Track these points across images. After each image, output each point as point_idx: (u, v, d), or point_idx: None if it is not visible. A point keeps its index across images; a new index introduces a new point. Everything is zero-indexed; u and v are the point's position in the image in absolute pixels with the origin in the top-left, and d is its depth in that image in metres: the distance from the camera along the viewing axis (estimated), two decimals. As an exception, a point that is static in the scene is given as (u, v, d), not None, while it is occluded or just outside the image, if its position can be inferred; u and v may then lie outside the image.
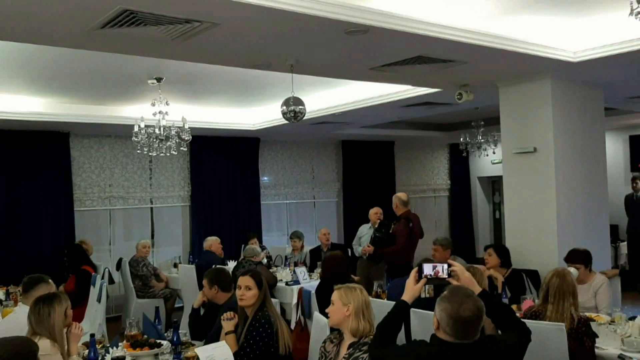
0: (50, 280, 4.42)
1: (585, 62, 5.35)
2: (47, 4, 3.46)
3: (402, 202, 7.32)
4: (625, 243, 9.91)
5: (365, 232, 7.78)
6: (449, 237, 6.44)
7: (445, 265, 3.00)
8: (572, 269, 4.79)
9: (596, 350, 3.69)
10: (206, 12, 3.68)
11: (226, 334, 3.85)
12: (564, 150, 6.04)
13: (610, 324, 4.02)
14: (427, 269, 3.01)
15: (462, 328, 2.51)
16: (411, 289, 3.01)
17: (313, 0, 3.75)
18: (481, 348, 2.57)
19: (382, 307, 4.37)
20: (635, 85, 6.87)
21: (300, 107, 5.38)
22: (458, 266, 3.04)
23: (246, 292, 3.87)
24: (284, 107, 5.41)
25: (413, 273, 3.03)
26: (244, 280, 3.90)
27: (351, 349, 3.18)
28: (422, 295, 3.04)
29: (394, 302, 3.14)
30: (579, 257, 4.96)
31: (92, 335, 3.84)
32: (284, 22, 3.93)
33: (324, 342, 3.45)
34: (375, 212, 7.72)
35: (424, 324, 3.74)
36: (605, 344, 3.76)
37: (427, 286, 3.00)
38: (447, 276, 2.96)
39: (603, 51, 5.16)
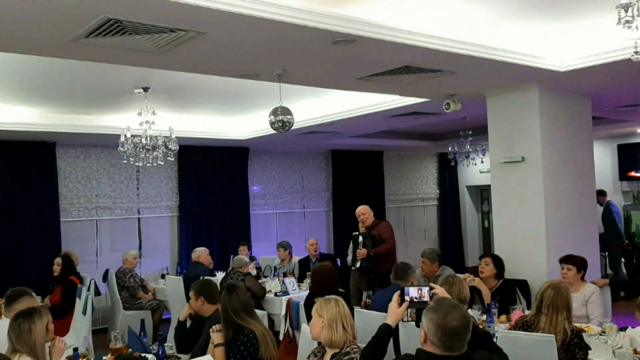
0: (33, 294, 4.35)
1: (573, 71, 5.36)
2: (31, 13, 3.41)
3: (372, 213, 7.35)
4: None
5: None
6: (437, 249, 6.36)
7: (428, 289, 3.01)
8: None
9: (588, 362, 3.67)
10: (191, 21, 3.64)
11: (215, 346, 3.80)
12: (552, 159, 6.04)
13: (601, 334, 4.00)
14: (410, 292, 3.02)
15: (450, 338, 2.47)
16: (394, 313, 3.02)
17: (300, 10, 3.73)
18: None
19: (369, 317, 4.35)
20: (622, 94, 6.90)
21: (288, 116, 5.36)
22: (440, 289, 3.06)
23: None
24: (272, 117, 5.38)
25: (396, 296, 3.04)
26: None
27: None
28: (405, 320, 3.03)
29: (378, 313, 3.13)
30: (574, 260, 5.01)
31: (76, 350, 3.79)
32: (270, 31, 3.90)
33: (308, 356, 3.44)
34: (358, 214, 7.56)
35: (413, 337, 3.71)
36: (597, 355, 3.73)
37: (409, 310, 3.00)
38: (429, 299, 2.95)
39: (590, 60, 5.18)
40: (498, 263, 5.49)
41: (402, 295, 3.01)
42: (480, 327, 4.06)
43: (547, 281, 4.01)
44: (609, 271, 9.92)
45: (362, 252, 6.90)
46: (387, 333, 2.98)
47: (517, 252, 6.05)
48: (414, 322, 3.03)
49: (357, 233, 7.12)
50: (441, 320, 2.48)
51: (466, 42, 4.67)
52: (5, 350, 3.45)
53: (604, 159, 11.09)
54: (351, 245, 7.35)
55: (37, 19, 3.52)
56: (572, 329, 3.69)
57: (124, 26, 3.68)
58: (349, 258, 7.51)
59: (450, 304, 2.58)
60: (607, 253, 9.89)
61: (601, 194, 10.02)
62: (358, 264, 6.99)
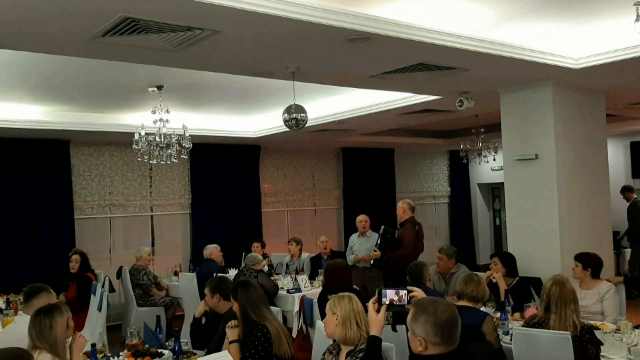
0: (51, 290, 4.39)
1: (587, 68, 5.35)
2: (48, 12, 3.45)
3: (410, 207, 7.30)
4: (629, 250, 9.97)
5: (355, 240, 7.74)
6: (454, 247, 6.37)
7: (406, 292, 2.93)
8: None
9: (602, 360, 3.67)
10: (208, 19, 3.67)
11: (230, 342, 3.83)
12: (565, 157, 6.02)
13: (616, 332, 3.99)
14: (387, 295, 2.93)
15: (450, 330, 2.48)
16: (375, 321, 2.91)
17: (315, 8, 3.75)
18: (464, 355, 2.54)
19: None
20: (636, 92, 6.86)
21: (301, 114, 5.37)
22: (419, 292, 2.99)
23: (233, 305, 4.02)
24: (286, 115, 5.38)
25: (372, 305, 2.93)
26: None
27: (348, 358, 3.18)
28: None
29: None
30: (581, 257, 5.05)
31: (93, 345, 3.83)
32: (285, 29, 3.92)
33: (324, 353, 3.45)
34: (360, 220, 7.72)
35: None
36: (612, 353, 3.73)
37: (386, 313, 2.90)
38: (407, 302, 2.87)
39: (605, 58, 5.16)
40: (506, 261, 5.50)
41: (379, 299, 2.92)
42: (495, 324, 4.08)
43: (549, 278, 4.01)
44: (626, 268, 9.87)
45: (375, 254, 6.92)
46: (377, 345, 2.92)
47: (530, 249, 6.04)
48: (390, 326, 2.94)
49: (383, 229, 7.11)
50: (435, 317, 2.46)
51: (480, 40, 4.67)
52: (24, 347, 3.48)
53: (616, 157, 11.02)
54: (360, 239, 7.44)
55: (54, 19, 3.56)
56: (583, 325, 3.69)
57: (140, 25, 3.71)
58: (350, 257, 7.52)
59: (431, 301, 2.58)
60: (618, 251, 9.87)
61: (629, 190, 10.00)
62: (371, 262, 7.02)
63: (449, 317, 2.48)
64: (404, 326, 2.84)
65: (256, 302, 3.96)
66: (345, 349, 3.27)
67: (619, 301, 4.88)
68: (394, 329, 2.93)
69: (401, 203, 7.37)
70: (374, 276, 7.25)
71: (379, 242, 7.04)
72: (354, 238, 7.82)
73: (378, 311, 2.90)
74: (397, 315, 2.84)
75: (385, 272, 7.08)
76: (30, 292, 4.31)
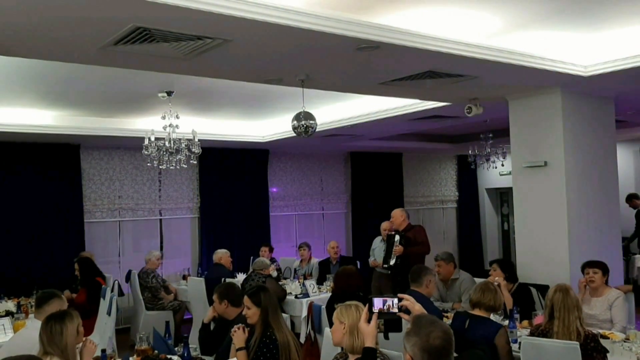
0: (63, 296, 4.44)
1: (597, 76, 5.34)
2: (61, 22, 3.49)
3: (408, 215, 7.39)
4: (639, 256, 9.94)
5: (377, 244, 7.80)
6: (449, 251, 6.40)
7: (396, 300, 2.89)
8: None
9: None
10: (218, 29, 3.70)
11: (237, 350, 3.85)
12: (575, 164, 6.01)
13: (625, 341, 3.98)
14: (377, 303, 2.89)
15: (438, 358, 2.42)
16: (367, 331, 2.87)
17: (324, 17, 3.77)
18: None
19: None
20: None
21: (311, 121, 5.39)
22: (409, 299, 2.95)
23: (247, 311, 3.98)
24: (295, 122, 5.41)
25: (364, 315, 2.90)
26: (245, 300, 4.04)
27: None
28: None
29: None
30: (600, 264, 5.01)
31: (104, 351, 3.87)
32: (295, 38, 3.95)
33: None
34: (384, 229, 7.74)
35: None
36: (620, 363, 3.73)
37: (377, 321, 2.86)
38: (397, 310, 2.85)
39: (614, 65, 5.15)
40: (505, 267, 5.50)
41: (370, 309, 2.88)
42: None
43: (552, 287, 4.01)
44: (636, 274, 9.83)
45: (399, 248, 6.93)
46: (372, 356, 2.89)
47: (539, 257, 6.03)
48: (382, 334, 2.90)
49: (393, 233, 7.16)
50: (425, 343, 2.41)
51: (489, 47, 4.69)
52: (35, 352, 3.52)
53: (626, 163, 10.97)
54: (383, 244, 7.43)
55: (67, 28, 3.60)
56: (587, 333, 3.69)
57: (152, 34, 3.74)
58: (371, 259, 7.58)
59: (428, 322, 2.51)
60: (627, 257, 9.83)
61: (635, 197, 9.99)
62: (392, 262, 7.00)
63: (441, 344, 2.42)
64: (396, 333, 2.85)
65: (276, 307, 4.02)
66: (352, 358, 3.27)
67: (628, 309, 4.87)
68: (386, 337, 2.92)
69: (400, 211, 7.34)
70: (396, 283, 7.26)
71: (399, 239, 7.04)
72: (376, 242, 7.90)
73: (369, 321, 2.86)
74: (388, 322, 2.82)
75: (394, 277, 7.09)
76: (42, 297, 4.35)
